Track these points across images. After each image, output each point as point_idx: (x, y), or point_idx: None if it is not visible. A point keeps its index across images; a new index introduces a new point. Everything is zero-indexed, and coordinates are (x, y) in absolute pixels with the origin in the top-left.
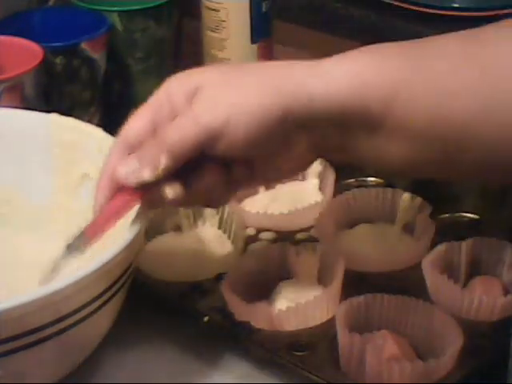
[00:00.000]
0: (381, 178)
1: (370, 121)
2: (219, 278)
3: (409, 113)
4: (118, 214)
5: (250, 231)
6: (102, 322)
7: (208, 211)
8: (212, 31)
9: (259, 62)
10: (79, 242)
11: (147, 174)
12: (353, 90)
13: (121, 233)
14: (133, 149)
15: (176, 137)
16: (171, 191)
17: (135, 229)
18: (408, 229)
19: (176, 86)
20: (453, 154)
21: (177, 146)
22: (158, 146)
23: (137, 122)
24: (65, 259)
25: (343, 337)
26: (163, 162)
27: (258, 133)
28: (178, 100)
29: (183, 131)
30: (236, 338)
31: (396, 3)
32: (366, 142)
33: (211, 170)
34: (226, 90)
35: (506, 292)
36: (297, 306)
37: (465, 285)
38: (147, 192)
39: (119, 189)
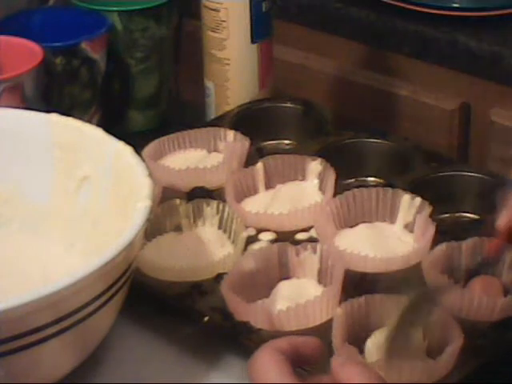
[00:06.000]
0: (381, 177)
1: None
2: (219, 277)
3: None
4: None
5: (250, 231)
6: (102, 322)
7: (208, 211)
8: (212, 31)
9: None
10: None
11: None
12: None
13: (121, 233)
14: None
15: None
16: None
17: (135, 229)
18: (408, 229)
19: None
20: None
21: None
22: None
23: None
24: None
25: (340, 349)
26: None
27: None
28: None
29: None
30: (236, 338)
31: (396, 3)
32: None
33: None
34: None
35: (506, 292)
36: (297, 306)
37: (465, 285)
38: None
39: None
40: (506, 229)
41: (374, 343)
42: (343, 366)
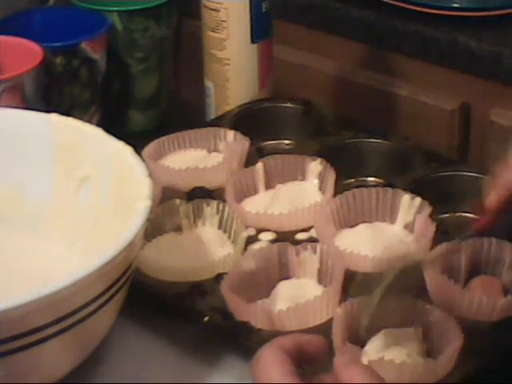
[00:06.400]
0: (381, 177)
1: None
2: (219, 277)
3: None
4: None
5: (250, 231)
6: (102, 322)
7: (208, 211)
8: (212, 31)
9: None
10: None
11: None
12: None
13: (121, 233)
14: None
15: None
16: None
17: (135, 229)
18: (408, 229)
19: None
20: None
21: None
22: None
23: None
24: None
25: (341, 348)
26: None
27: None
28: None
29: None
30: (236, 338)
31: (396, 3)
32: None
33: None
34: None
35: (506, 292)
36: (297, 306)
37: (465, 285)
38: None
39: None
40: (494, 207)
41: (374, 345)
42: (347, 366)
